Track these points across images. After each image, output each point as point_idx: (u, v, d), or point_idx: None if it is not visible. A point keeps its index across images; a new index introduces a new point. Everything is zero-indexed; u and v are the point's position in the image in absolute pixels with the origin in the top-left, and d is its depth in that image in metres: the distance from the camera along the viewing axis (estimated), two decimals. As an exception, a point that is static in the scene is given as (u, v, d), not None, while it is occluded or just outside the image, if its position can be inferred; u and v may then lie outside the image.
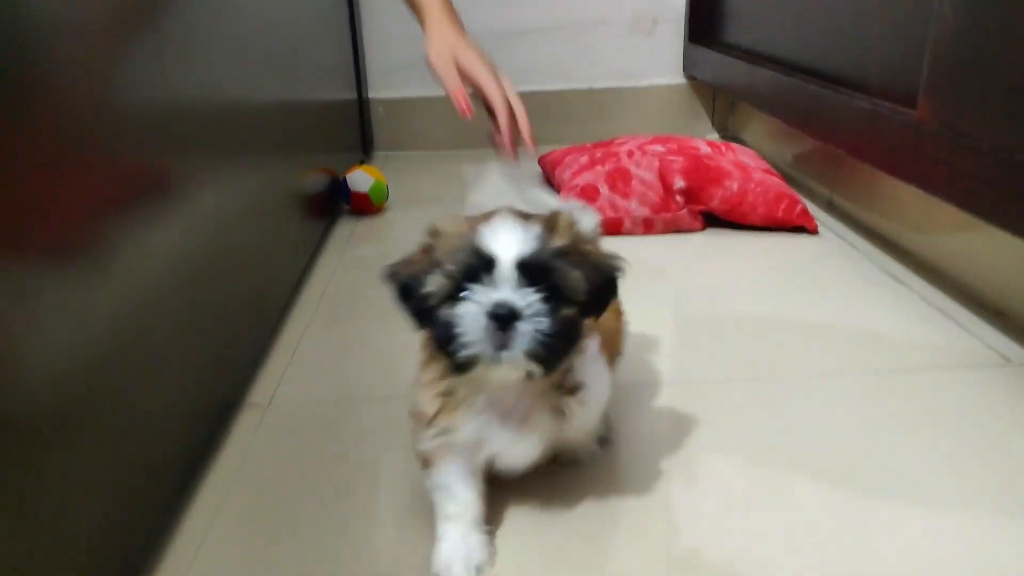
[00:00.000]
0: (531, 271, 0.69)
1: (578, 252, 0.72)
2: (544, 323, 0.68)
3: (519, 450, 0.81)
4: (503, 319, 0.67)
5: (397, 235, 1.97)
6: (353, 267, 1.73)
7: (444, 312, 0.70)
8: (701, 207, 1.83)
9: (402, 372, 1.24)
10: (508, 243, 0.69)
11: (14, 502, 0.63)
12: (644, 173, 1.85)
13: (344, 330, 1.46)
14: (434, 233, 0.75)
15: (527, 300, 0.68)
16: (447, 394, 0.78)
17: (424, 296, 0.71)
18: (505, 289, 0.68)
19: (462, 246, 0.70)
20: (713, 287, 1.59)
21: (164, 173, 0.99)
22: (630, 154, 1.91)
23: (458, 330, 0.68)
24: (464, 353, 0.69)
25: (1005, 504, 0.91)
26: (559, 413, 0.79)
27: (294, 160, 1.71)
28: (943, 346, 1.29)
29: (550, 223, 0.73)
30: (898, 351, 1.28)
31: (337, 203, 2.04)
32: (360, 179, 2.00)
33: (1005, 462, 0.99)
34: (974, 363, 1.23)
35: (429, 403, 0.78)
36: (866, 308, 1.44)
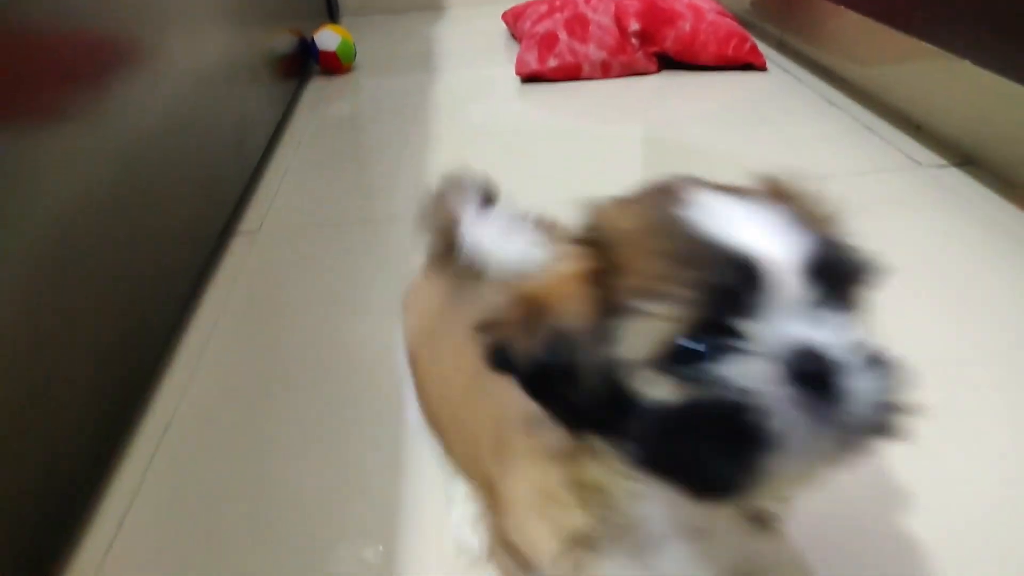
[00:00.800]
0: (825, 283, 0.37)
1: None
2: (884, 372, 0.36)
3: None
4: (822, 378, 0.34)
5: (366, 96, 2.04)
6: (326, 124, 1.82)
7: (675, 387, 0.36)
8: (655, 48, 1.92)
9: (376, 200, 1.37)
10: (781, 234, 0.37)
11: (31, 330, 0.77)
12: (601, 17, 1.92)
13: (322, 171, 1.57)
14: (599, 231, 0.41)
15: (848, 337, 0.36)
16: (580, 538, 0.43)
17: (605, 365, 0.37)
18: (801, 319, 0.36)
19: (690, 250, 0.36)
20: (671, 123, 1.70)
21: (148, 40, 1.10)
22: (587, 0, 1.97)
23: (733, 416, 0.34)
24: (762, 460, 0.34)
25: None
26: (761, 525, 0.45)
27: (263, 24, 1.77)
28: (867, 155, 1.42)
29: (783, 193, 0.45)
30: (830, 162, 1.41)
31: (307, 64, 2.10)
32: (327, 38, 2.06)
33: (909, 237, 1.15)
34: (892, 167, 1.37)
35: (538, 538, 0.44)
36: (806, 130, 1.56)
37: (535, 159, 1.52)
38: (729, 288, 0.35)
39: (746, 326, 0.35)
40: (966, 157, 1.35)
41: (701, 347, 0.35)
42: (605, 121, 1.71)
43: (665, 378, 0.35)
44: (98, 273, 0.87)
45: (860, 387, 0.34)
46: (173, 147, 1.13)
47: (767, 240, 0.36)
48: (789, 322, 0.35)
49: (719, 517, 0.43)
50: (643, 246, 0.38)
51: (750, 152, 1.48)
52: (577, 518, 0.42)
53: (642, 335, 0.36)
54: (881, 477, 0.75)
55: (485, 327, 0.40)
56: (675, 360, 0.35)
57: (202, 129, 1.26)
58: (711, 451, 0.34)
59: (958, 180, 1.30)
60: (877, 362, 0.36)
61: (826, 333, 0.35)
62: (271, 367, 1.00)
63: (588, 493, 0.41)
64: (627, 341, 0.36)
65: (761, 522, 0.44)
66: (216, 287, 1.17)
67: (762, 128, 1.60)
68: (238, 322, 1.09)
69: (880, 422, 0.35)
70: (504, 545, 0.47)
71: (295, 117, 1.85)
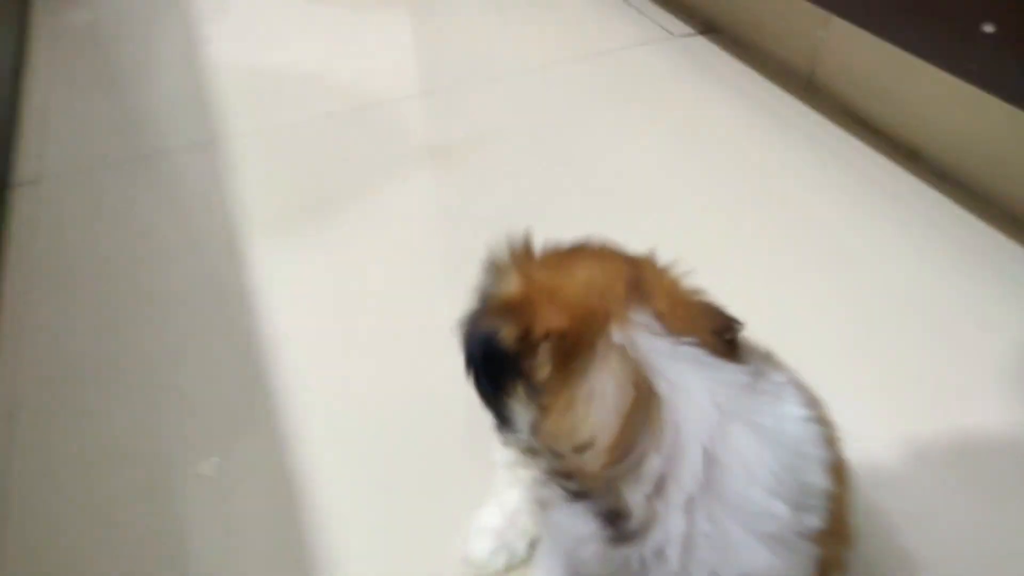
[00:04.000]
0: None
1: None
2: None
3: None
4: None
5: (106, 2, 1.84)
6: (69, 37, 1.63)
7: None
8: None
9: (160, 129, 1.30)
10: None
11: None
12: None
13: (87, 97, 1.44)
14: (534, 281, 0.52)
15: None
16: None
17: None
18: None
19: None
20: (434, 12, 1.72)
21: None
22: None
23: None
24: None
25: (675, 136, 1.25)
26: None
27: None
28: (629, 29, 1.56)
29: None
30: (599, 39, 1.53)
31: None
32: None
33: (675, 106, 1.32)
34: (650, 39, 1.52)
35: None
36: (573, 11, 1.66)
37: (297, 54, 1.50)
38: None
39: None
40: (708, 25, 1.53)
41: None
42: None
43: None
44: None
45: None
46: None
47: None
48: None
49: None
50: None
51: (524, 35, 1.56)
52: None
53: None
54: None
55: (468, 317, 0.51)
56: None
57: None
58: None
59: (704, 48, 1.48)
60: None
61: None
62: (86, 322, 0.98)
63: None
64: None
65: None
66: (6, 250, 1.09)
67: (531, 11, 1.69)
68: (41, 283, 1.04)
69: None
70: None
71: (32, 34, 1.64)
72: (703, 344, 0.46)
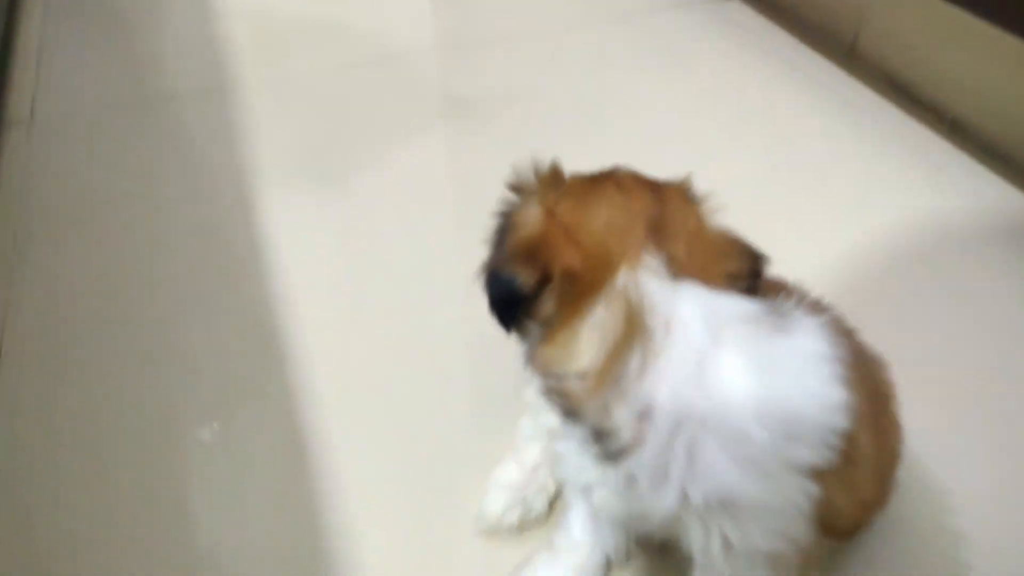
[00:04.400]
0: None
1: None
2: None
3: None
4: None
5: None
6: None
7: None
8: None
9: (166, 73, 1.24)
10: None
11: None
12: None
13: (88, 34, 1.37)
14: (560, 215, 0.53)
15: None
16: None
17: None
18: None
19: None
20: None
21: None
22: None
23: None
24: None
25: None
26: None
27: None
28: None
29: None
30: (625, 0, 1.46)
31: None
32: None
33: (709, 71, 1.25)
34: (680, 2, 1.45)
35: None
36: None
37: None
38: None
39: None
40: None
41: None
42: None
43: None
44: None
45: None
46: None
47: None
48: None
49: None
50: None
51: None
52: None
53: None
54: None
55: (490, 260, 0.54)
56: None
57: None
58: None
59: (740, 12, 1.41)
60: None
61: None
62: (86, 272, 0.92)
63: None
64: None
65: None
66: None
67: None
68: (33, 228, 0.98)
69: None
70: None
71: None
72: (713, 284, 0.48)
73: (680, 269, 0.48)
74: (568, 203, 0.52)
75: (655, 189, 0.53)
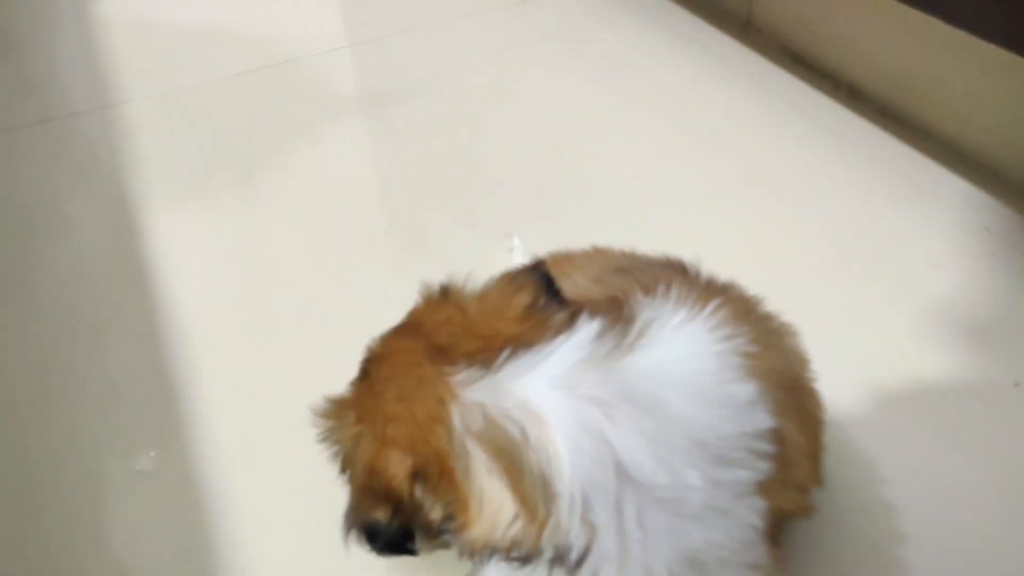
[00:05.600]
0: None
1: None
2: None
3: None
4: None
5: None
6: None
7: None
8: None
9: (48, 95, 1.16)
10: None
11: None
12: None
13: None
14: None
15: None
16: None
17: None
18: None
19: None
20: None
21: None
22: None
23: None
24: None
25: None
26: None
27: None
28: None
29: None
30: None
31: None
32: None
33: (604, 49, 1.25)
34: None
35: None
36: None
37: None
38: None
39: None
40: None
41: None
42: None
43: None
44: None
45: None
46: None
47: None
48: None
49: None
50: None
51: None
52: None
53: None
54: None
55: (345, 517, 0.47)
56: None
57: None
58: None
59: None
60: None
61: None
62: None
63: None
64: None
65: None
66: None
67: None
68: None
69: None
70: None
71: None
72: (527, 336, 0.43)
73: (484, 354, 0.43)
74: (368, 397, 0.47)
75: (409, 327, 0.49)
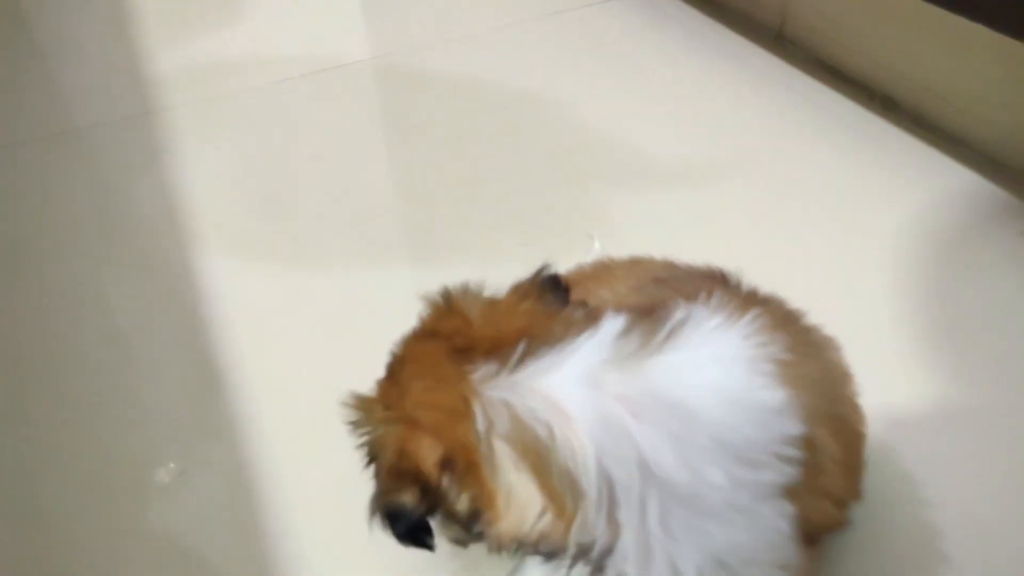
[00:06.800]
0: None
1: None
2: None
3: None
4: None
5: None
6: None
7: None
8: None
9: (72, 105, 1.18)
10: None
11: None
12: None
13: None
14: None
15: None
16: None
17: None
18: None
19: None
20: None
21: None
22: None
23: None
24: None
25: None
26: None
27: None
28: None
29: None
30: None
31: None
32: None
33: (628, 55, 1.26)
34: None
35: None
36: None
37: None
38: None
39: None
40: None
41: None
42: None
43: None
44: None
45: None
46: None
47: None
48: None
49: None
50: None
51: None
52: None
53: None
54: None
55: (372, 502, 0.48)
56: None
57: None
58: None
59: (666, 3, 1.42)
60: None
61: None
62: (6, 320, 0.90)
63: None
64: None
65: None
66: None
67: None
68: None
69: None
70: None
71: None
72: (543, 334, 0.44)
73: (504, 351, 0.44)
74: (395, 392, 0.48)
75: (428, 329, 0.50)
